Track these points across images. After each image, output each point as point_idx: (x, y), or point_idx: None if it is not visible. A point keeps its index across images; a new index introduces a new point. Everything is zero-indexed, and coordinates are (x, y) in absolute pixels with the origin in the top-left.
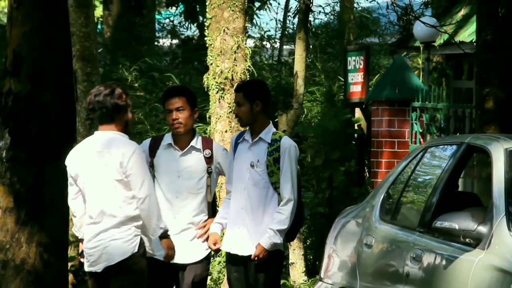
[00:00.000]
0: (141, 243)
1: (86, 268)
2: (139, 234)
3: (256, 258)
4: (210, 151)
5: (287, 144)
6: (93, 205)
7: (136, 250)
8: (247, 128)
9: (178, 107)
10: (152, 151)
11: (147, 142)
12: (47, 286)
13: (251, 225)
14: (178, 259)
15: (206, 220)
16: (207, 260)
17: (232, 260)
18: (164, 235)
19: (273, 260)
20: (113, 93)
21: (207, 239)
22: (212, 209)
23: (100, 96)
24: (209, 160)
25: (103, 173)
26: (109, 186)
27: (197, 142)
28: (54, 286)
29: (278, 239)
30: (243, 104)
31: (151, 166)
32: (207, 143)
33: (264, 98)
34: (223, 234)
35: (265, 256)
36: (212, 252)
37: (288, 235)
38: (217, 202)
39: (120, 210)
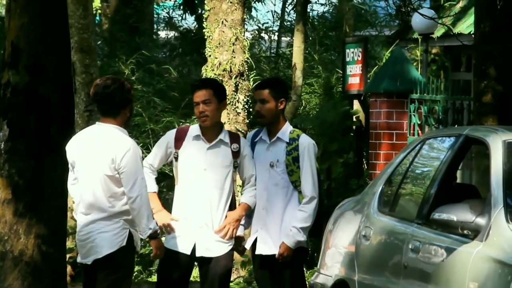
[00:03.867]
0: (130, 237)
1: (78, 260)
2: (128, 228)
3: (280, 257)
4: (238, 145)
5: (306, 142)
6: (83, 196)
7: (124, 243)
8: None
9: (204, 100)
10: (178, 142)
11: (172, 133)
12: (45, 278)
13: (272, 225)
14: (203, 252)
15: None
16: (231, 251)
17: (257, 259)
18: (154, 236)
19: (298, 257)
20: (123, 87)
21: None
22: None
23: (109, 89)
24: (236, 154)
25: (95, 166)
26: (99, 180)
27: (225, 136)
28: (52, 278)
29: (302, 237)
30: (268, 101)
31: (175, 158)
32: (234, 137)
33: (287, 97)
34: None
35: (289, 254)
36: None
37: (312, 230)
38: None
39: (109, 205)
